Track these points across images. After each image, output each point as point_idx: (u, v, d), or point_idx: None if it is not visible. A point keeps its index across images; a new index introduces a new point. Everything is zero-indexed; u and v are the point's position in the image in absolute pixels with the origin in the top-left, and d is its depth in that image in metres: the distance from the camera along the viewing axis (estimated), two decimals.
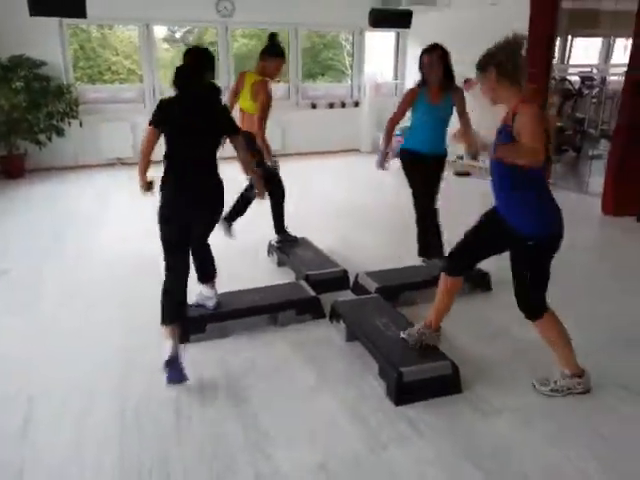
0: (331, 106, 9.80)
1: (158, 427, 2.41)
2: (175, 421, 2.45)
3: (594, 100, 8.47)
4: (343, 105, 9.89)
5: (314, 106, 9.67)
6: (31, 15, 6.00)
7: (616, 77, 7.09)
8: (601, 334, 3.22)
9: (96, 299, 3.74)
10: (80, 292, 3.86)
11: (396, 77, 10.12)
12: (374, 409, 2.52)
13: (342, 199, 6.49)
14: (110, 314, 3.51)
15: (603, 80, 8.04)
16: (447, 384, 2.63)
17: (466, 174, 7.79)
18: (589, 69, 8.88)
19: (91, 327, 3.34)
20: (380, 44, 10.47)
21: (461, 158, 7.50)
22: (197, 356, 2.98)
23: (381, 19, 7.65)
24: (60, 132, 7.81)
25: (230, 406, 2.56)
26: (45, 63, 7.65)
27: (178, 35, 14.24)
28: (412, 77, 9.69)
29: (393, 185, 7.22)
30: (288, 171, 7.94)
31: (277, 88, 8.65)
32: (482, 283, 3.78)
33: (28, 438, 2.34)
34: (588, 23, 8.17)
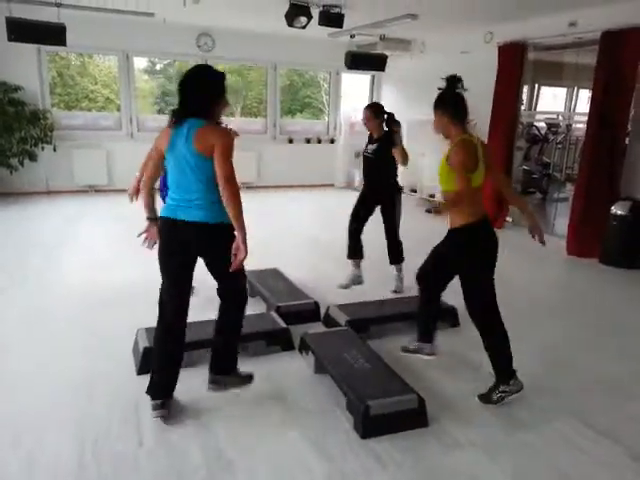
0: (308, 141, 10.02)
1: (118, 459, 2.33)
2: (136, 452, 2.38)
3: (559, 145, 8.86)
4: (319, 141, 10.13)
5: (291, 141, 9.88)
6: (9, 40, 6.00)
7: (580, 124, 7.43)
8: (556, 368, 3.30)
9: (58, 327, 3.65)
10: (41, 319, 3.77)
11: None
12: (340, 442, 2.50)
13: (314, 232, 6.55)
14: (71, 342, 3.43)
15: (568, 127, 8.41)
16: (413, 418, 2.63)
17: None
18: (555, 116, 9.29)
19: (51, 355, 3.26)
20: (356, 84, 10.81)
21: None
22: None
23: (357, 61, 7.88)
24: (32, 157, 7.73)
25: (194, 436, 2.51)
26: (21, 88, 7.63)
27: (158, 67, 14.42)
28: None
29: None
30: (264, 202, 8.09)
31: (254, 122, 8.81)
32: (449, 318, 3.82)
33: None
34: (553, 73, 8.62)
